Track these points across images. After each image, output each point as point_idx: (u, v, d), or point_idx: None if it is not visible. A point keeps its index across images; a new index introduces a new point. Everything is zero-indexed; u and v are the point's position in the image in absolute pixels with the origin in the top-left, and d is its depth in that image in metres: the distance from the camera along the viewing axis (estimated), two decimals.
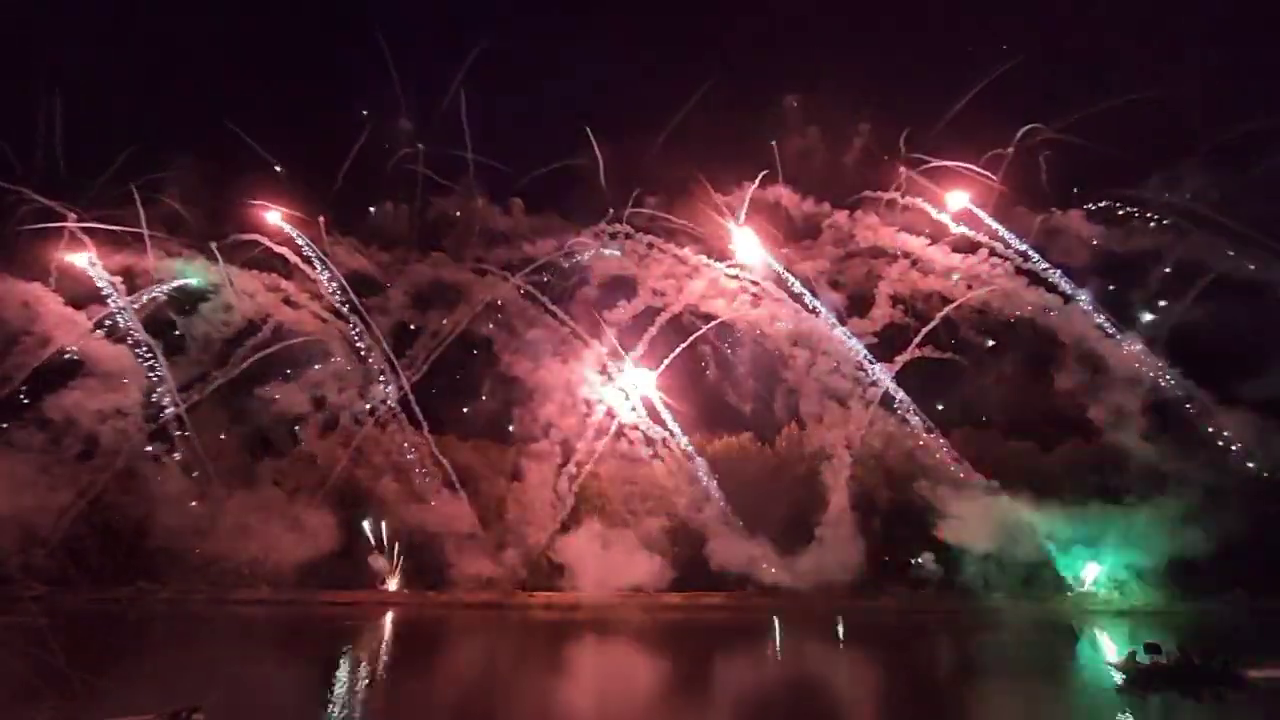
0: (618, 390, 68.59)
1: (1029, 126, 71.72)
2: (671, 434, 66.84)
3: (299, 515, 63.58)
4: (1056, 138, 71.51)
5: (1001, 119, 71.88)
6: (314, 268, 72.96)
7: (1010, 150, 71.97)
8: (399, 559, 64.92)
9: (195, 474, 65.94)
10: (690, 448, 66.59)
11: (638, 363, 68.98)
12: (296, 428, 69.24)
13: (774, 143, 75.48)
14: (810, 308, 70.36)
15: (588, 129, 75.74)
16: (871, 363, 67.82)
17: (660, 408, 67.62)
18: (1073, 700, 32.06)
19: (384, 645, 46.47)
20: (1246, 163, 65.40)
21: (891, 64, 73.53)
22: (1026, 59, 70.08)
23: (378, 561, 64.51)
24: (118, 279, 68.78)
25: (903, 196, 73.57)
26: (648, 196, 76.34)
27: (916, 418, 65.92)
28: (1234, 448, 60.91)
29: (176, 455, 66.42)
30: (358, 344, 71.27)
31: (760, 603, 61.14)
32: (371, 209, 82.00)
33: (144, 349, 67.49)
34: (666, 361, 68.76)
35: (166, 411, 66.77)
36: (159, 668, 35.86)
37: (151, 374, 67.15)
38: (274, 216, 74.19)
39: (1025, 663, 42.22)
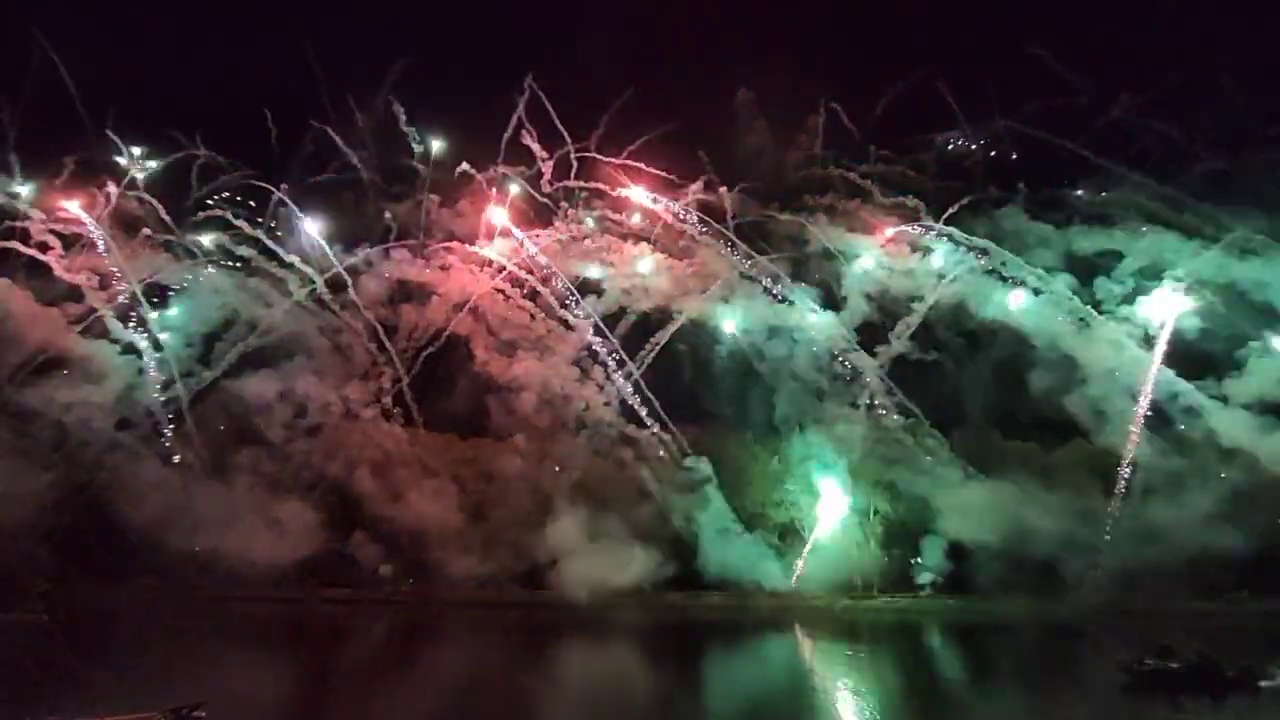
0: (594, 386, 69.31)
1: (946, 133, 74.52)
2: (654, 433, 67.58)
3: (280, 511, 63.86)
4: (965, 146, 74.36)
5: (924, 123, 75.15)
6: (280, 266, 73.02)
7: (930, 156, 74.76)
8: (385, 557, 65.24)
9: (176, 461, 66.50)
10: (675, 447, 67.17)
11: (615, 359, 69.80)
12: (271, 421, 69.09)
13: (702, 153, 76.02)
14: (783, 299, 71.09)
15: (525, 129, 75.64)
16: (846, 358, 68.04)
17: (638, 405, 68.30)
18: (1080, 704, 31.21)
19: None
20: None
21: (820, 68, 73.70)
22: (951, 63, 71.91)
23: (365, 558, 64.89)
24: (86, 274, 68.31)
25: (839, 202, 74.90)
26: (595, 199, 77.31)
27: (912, 416, 66.03)
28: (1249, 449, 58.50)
29: (157, 448, 66.73)
30: (333, 340, 71.79)
31: (759, 603, 60.98)
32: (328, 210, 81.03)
33: (120, 345, 67.57)
34: (647, 357, 69.67)
35: (143, 405, 67.00)
36: (159, 664, 36.63)
37: (131, 369, 67.28)
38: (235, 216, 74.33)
39: (1031, 665, 41.73)
